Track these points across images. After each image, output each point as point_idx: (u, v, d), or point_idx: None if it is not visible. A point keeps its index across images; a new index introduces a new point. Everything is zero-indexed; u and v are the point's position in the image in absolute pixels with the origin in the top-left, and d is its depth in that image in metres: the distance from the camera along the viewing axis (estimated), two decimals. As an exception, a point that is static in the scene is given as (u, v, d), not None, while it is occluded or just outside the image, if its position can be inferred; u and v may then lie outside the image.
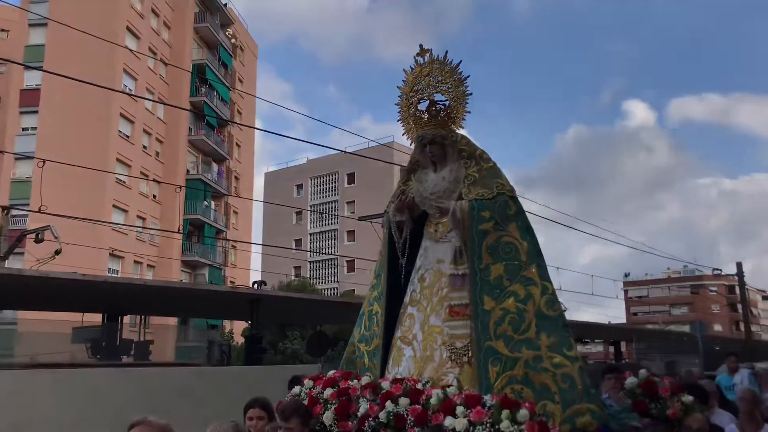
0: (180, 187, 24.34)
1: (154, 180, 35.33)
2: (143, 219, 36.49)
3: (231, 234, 42.99)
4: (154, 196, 37.93)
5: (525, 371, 3.93)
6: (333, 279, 56.41)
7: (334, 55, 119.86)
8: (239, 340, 28.98)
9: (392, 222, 4.82)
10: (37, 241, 16.24)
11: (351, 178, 58.26)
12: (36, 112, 34.37)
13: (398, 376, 4.15)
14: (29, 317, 19.60)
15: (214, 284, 31.77)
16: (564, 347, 4.01)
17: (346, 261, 52.79)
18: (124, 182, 34.50)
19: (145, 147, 37.47)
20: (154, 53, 38.42)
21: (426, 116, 4.63)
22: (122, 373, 8.03)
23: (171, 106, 35.52)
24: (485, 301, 4.12)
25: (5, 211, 18.29)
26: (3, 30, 39.47)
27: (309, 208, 57.25)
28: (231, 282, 39.11)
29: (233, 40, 46.26)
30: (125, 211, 34.83)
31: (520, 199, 4.55)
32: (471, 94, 4.58)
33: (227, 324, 35.01)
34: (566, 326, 4.16)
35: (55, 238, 15.68)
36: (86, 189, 29.84)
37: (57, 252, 15.20)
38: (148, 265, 36.63)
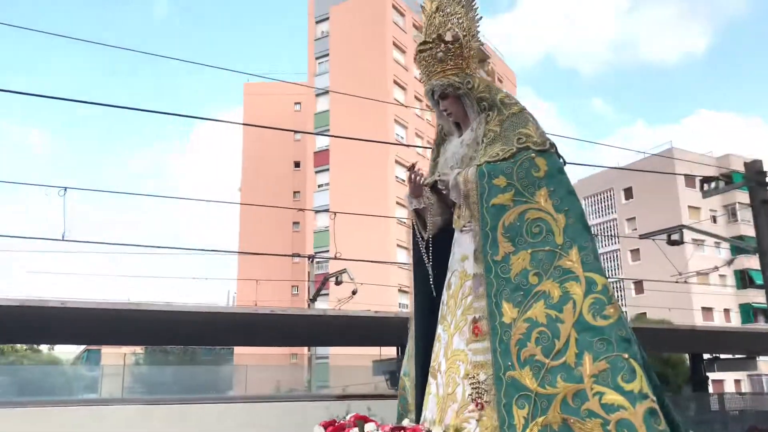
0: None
1: (431, 218, 37.32)
2: (425, 256, 38.60)
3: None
4: (433, 233, 39.99)
5: (563, 417, 2.61)
6: (620, 302, 53.13)
7: (595, 65, 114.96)
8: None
9: (409, 211, 3.61)
10: (337, 283, 18.19)
11: (628, 193, 54.68)
12: (327, 169, 38.96)
13: (425, 423, 3.11)
14: (338, 352, 21.89)
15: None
16: (620, 376, 2.56)
17: (633, 283, 49.33)
18: (404, 223, 37.00)
19: (420, 188, 39.87)
20: (420, 100, 41.02)
21: (432, 63, 3.41)
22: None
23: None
24: (504, 309, 2.84)
25: (310, 260, 20.91)
26: (297, 102, 45.84)
27: (586, 230, 55.00)
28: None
29: (490, 76, 47.27)
30: (407, 249, 37.20)
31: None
32: (481, 18, 3.43)
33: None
34: (625, 341, 2.64)
35: (351, 279, 17.40)
36: (373, 232, 32.73)
37: (354, 292, 16.82)
38: (433, 299, 38.52)
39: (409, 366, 3.51)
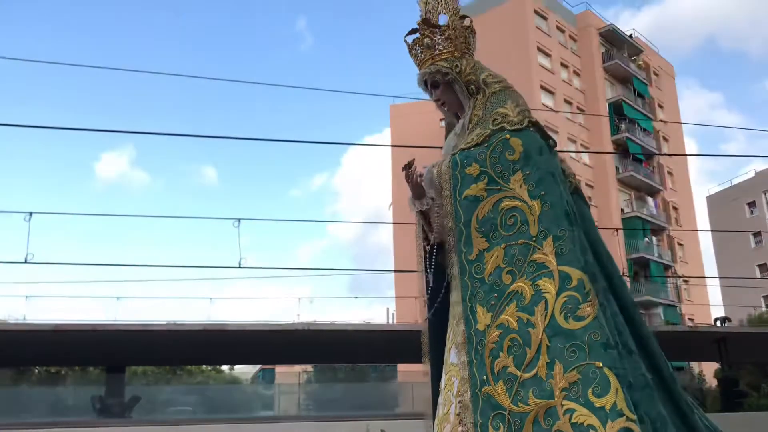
0: (617, 229, 24.06)
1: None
2: (586, 265, 37.08)
3: (680, 268, 40.14)
4: (593, 241, 38.33)
5: None
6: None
7: (765, 44, 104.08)
8: (712, 382, 26.41)
9: (414, 215, 3.16)
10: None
11: (820, 183, 48.77)
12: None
13: None
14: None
15: (673, 324, 29.92)
16: (591, 389, 2.12)
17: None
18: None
19: (576, 195, 38.44)
20: (570, 103, 39.61)
21: (421, 50, 3.05)
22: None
23: (594, 152, 35.87)
24: (479, 315, 2.47)
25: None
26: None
27: (768, 228, 49.67)
28: (689, 320, 36.22)
29: (644, 73, 44.57)
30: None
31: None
32: None
33: (694, 365, 32.35)
34: (601, 346, 2.18)
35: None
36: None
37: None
38: (599, 310, 36.78)
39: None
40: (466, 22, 3.04)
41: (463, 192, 2.63)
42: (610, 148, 38.93)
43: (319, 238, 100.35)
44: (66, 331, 11.67)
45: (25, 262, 12.28)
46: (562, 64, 40.67)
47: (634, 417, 2.05)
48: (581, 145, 38.43)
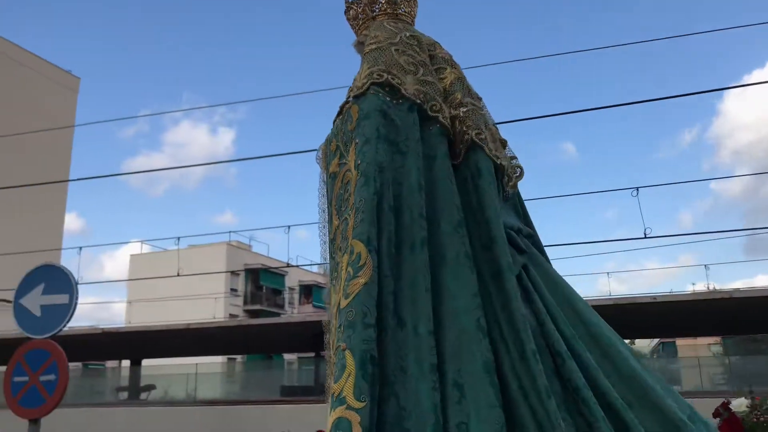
0: None
1: None
2: None
3: None
4: None
5: None
6: None
7: None
8: None
9: None
10: None
11: None
12: None
13: None
14: None
15: None
16: (335, 374, 1.84)
17: None
18: None
19: None
20: None
21: (351, 23, 2.90)
22: None
23: None
24: (332, 296, 2.28)
25: None
26: None
27: None
28: None
29: None
30: None
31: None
32: None
33: None
34: (351, 326, 1.87)
35: None
36: None
37: None
38: None
39: None
40: None
41: (329, 170, 2.53)
42: None
43: (700, 198, 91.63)
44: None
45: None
46: None
47: (360, 405, 1.79)
48: None
